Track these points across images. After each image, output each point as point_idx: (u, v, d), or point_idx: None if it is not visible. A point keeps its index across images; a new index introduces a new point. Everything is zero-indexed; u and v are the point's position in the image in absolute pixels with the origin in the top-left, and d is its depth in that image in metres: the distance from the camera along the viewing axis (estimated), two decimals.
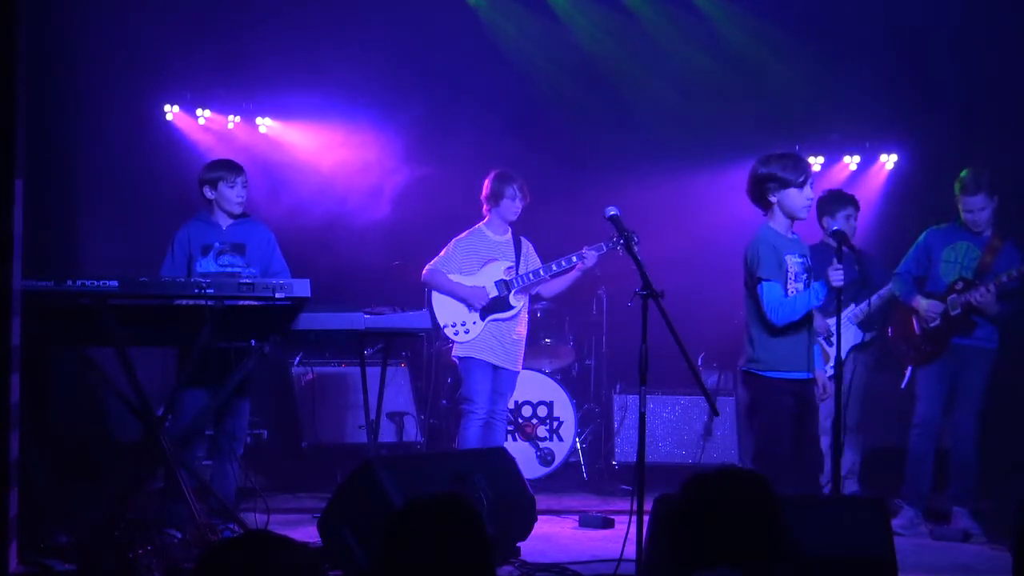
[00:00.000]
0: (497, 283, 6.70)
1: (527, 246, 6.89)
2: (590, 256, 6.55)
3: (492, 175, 6.76)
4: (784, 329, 5.14)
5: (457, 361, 6.77)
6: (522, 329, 6.82)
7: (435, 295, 6.72)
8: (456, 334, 6.67)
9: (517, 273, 6.74)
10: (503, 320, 6.69)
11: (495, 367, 6.67)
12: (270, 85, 8.59)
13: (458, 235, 6.81)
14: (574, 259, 6.60)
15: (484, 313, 6.66)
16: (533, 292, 6.86)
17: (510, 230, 6.83)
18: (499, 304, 6.69)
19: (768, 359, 5.16)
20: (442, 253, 6.77)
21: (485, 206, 6.77)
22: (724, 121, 8.60)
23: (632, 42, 8.84)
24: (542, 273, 6.71)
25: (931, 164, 8.09)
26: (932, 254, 6.55)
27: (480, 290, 6.67)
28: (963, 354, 6.40)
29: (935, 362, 6.46)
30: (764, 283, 5.12)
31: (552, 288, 6.83)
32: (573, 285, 6.84)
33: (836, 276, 5.13)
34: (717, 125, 8.61)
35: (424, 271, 6.77)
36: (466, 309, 6.67)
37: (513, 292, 6.71)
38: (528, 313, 6.91)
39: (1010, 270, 6.25)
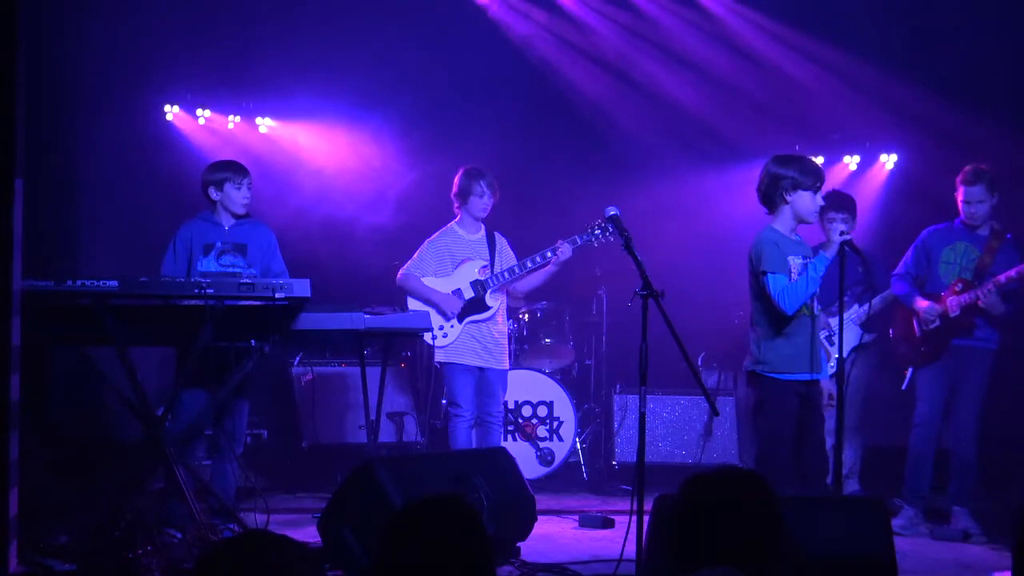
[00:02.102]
0: (472, 284, 6.66)
1: (501, 242, 6.83)
2: (564, 250, 6.50)
3: (460, 172, 6.69)
4: (790, 331, 5.16)
5: (439, 366, 6.75)
6: (503, 327, 6.77)
7: (411, 301, 6.69)
8: (434, 339, 6.63)
9: (492, 272, 6.69)
10: (481, 321, 6.65)
11: (479, 368, 6.65)
12: (270, 85, 8.58)
13: (430, 236, 6.76)
14: (548, 254, 6.54)
15: (461, 316, 6.63)
16: (509, 289, 6.83)
17: (483, 227, 6.77)
18: (475, 305, 6.66)
19: (774, 360, 5.18)
20: (415, 256, 6.72)
21: (455, 204, 6.73)
22: (724, 122, 8.60)
23: (635, 43, 8.84)
24: (517, 271, 6.65)
25: (931, 164, 8.08)
26: (931, 255, 6.55)
27: (452, 297, 6.63)
28: (963, 355, 6.41)
29: (935, 363, 6.46)
30: (769, 275, 5.13)
31: (527, 283, 6.77)
32: (548, 279, 6.76)
33: (835, 228, 5.17)
34: (717, 126, 8.61)
35: (398, 275, 6.73)
36: (440, 314, 6.65)
37: (489, 292, 6.67)
38: (508, 310, 6.88)
39: (1009, 271, 6.25)
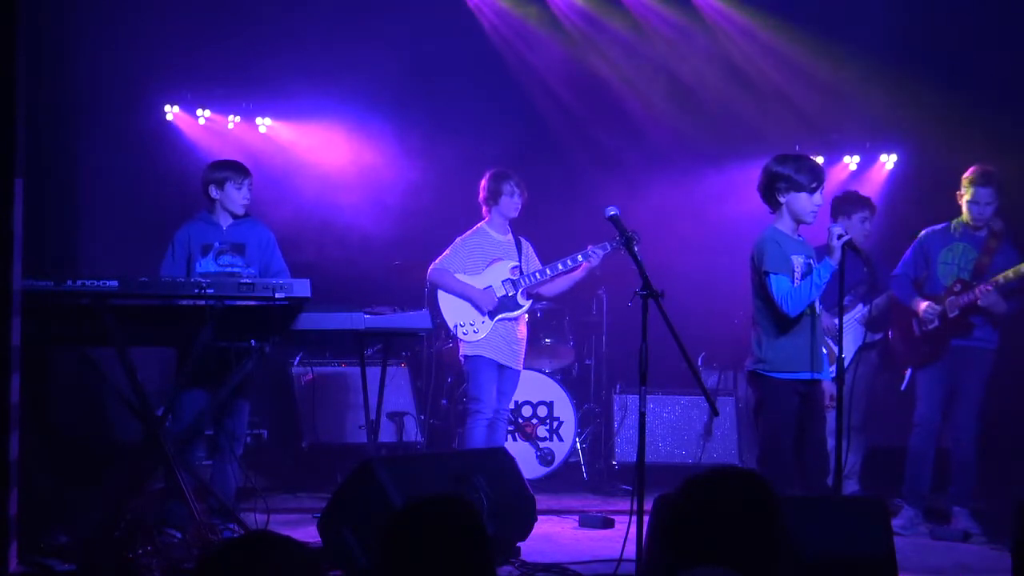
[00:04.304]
0: (504, 282, 6.73)
1: (527, 247, 6.91)
2: (595, 255, 6.57)
3: (488, 175, 6.78)
4: (791, 330, 5.16)
5: (464, 360, 6.77)
6: (524, 329, 6.85)
7: (442, 295, 6.73)
8: (466, 334, 6.67)
9: (522, 273, 6.75)
10: (510, 320, 6.72)
11: (500, 366, 6.69)
12: (270, 85, 8.58)
13: (462, 235, 6.82)
14: (580, 258, 6.62)
15: (493, 313, 6.67)
16: (535, 291, 6.87)
17: (511, 230, 6.84)
18: (506, 304, 6.70)
19: (775, 360, 5.18)
20: (447, 252, 6.78)
21: (484, 207, 6.79)
22: (725, 122, 8.60)
23: (635, 44, 8.84)
24: (548, 272, 6.74)
25: (931, 164, 8.09)
26: (929, 256, 6.55)
27: (489, 292, 6.68)
28: (962, 355, 6.41)
29: (934, 363, 6.46)
30: (771, 276, 5.12)
31: (555, 287, 6.83)
32: (575, 284, 6.85)
33: (836, 231, 5.15)
34: (718, 127, 8.61)
35: (430, 271, 6.78)
36: (475, 309, 6.67)
37: (520, 291, 6.73)
38: (527, 313, 6.92)
39: (1007, 271, 6.25)
